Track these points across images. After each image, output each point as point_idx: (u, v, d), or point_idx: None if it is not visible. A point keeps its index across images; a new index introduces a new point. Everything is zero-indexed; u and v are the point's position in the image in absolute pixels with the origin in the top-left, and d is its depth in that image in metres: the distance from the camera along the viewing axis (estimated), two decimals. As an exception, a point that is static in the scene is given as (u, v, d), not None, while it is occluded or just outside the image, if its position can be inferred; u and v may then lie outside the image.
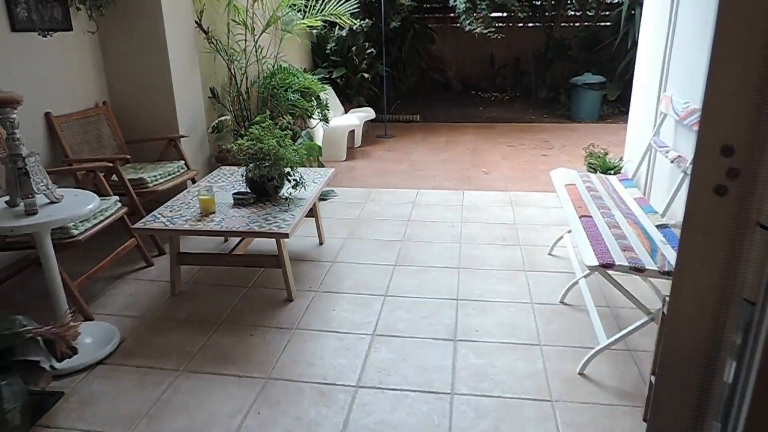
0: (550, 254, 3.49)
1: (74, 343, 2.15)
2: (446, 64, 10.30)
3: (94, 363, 2.45)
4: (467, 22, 6.95)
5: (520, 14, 7.69)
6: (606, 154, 4.16)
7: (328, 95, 5.79)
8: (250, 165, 3.00)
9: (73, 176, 3.45)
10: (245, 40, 4.74)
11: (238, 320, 2.82)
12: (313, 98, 5.06)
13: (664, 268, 2.14)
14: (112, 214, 3.07)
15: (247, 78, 4.81)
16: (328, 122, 5.33)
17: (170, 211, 2.97)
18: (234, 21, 4.64)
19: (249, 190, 3.12)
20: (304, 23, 5.06)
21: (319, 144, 5.47)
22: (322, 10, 5.09)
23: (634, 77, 4.00)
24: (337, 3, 5.11)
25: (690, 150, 2.74)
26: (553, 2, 7.49)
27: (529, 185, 5.04)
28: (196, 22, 4.41)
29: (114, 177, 3.42)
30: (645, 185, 3.48)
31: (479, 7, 6.95)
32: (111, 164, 3.33)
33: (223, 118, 4.52)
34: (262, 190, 3.08)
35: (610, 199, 2.91)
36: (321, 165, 4.75)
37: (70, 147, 3.56)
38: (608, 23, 8.63)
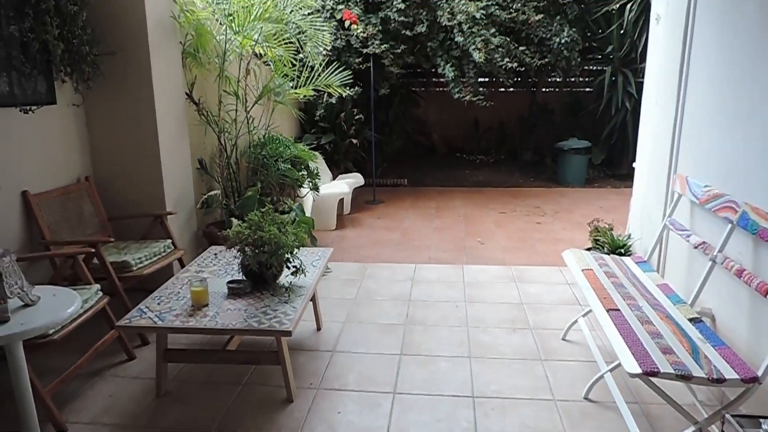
0: (564, 339, 3.29)
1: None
2: (431, 128, 10.35)
3: (67, 491, 2.13)
4: (456, 89, 6.98)
5: (504, 80, 7.79)
6: (611, 229, 4.04)
7: (318, 162, 5.65)
8: (247, 252, 2.77)
9: (50, 260, 3.18)
10: (236, 111, 4.61)
11: (234, 427, 2.52)
12: (303, 167, 4.92)
13: (713, 375, 1.95)
14: (92, 306, 2.79)
15: (237, 148, 4.65)
16: (318, 191, 5.16)
17: (158, 304, 2.70)
18: (225, 92, 4.51)
19: (244, 278, 2.89)
20: (297, 93, 4.97)
21: (310, 214, 5.29)
22: (315, 79, 5.01)
23: (637, 152, 3.93)
24: (330, 73, 5.05)
25: (714, 236, 2.62)
26: (540, 68, 7.58)
27: (528, 257, 4.89)
28: (187, 94, 4.27)
29: (95, 260, 3.16)
30: (658, 265, 3.34)
31: (467, 74, 7.00)
32: (93, 249, 3.07)
33: (212, 192, 4.31)
34: (259, 278, 2.84)
35: (632, 286, 2.75)
36: (314, 239, 4.54)
37: (48, 227, 3.28)
38: (590, 89, 8.81)
